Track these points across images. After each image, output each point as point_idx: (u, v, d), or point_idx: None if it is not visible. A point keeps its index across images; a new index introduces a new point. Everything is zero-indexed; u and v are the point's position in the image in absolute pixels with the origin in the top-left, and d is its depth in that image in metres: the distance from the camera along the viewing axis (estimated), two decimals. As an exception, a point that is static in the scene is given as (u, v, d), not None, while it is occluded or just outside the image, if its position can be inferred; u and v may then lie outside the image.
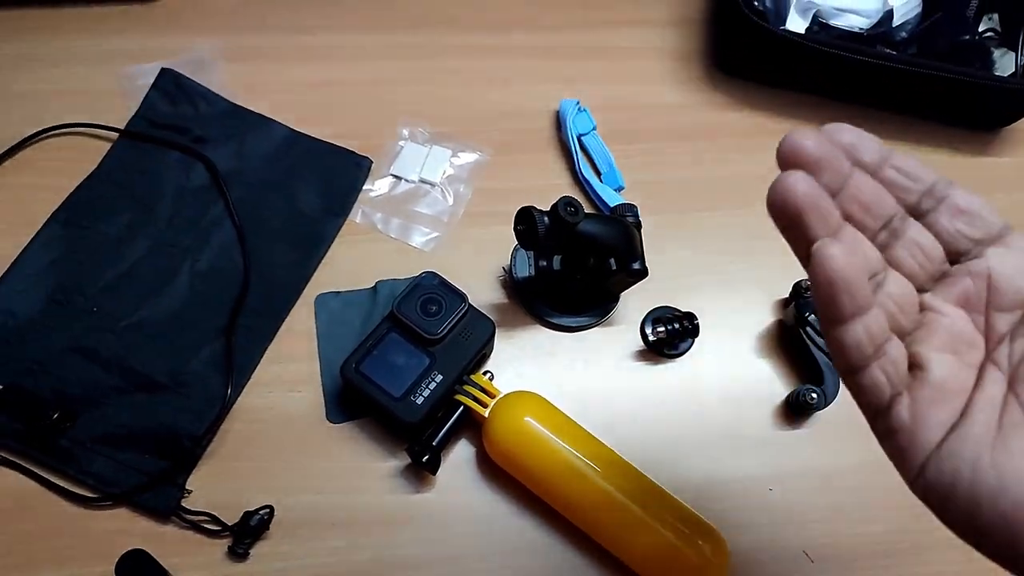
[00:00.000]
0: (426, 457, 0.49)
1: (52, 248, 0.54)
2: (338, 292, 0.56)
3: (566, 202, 0.48)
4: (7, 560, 0.46)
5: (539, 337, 0.56)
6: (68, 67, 0.62)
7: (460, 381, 0.51)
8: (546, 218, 0.48)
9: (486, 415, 0.50)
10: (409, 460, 0.50)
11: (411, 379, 0.50)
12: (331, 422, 0.52)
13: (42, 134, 0.59)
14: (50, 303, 0.53)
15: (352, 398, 0.52)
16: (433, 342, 0.51)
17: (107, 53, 0.63)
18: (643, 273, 0.53)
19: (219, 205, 0.57)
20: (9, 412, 0.49)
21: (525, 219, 0.49)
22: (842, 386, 0.54)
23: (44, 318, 0.52)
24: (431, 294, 0.52)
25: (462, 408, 0.50)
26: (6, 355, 0.51)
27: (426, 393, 0.49)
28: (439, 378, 0.50)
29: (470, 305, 0.52)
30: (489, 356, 0.55)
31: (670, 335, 0.55)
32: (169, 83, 0.61)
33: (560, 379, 0.55)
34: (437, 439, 0.50)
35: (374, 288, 0.56)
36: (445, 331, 0.51)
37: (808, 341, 0.55)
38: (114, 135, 0.59)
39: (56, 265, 0.54)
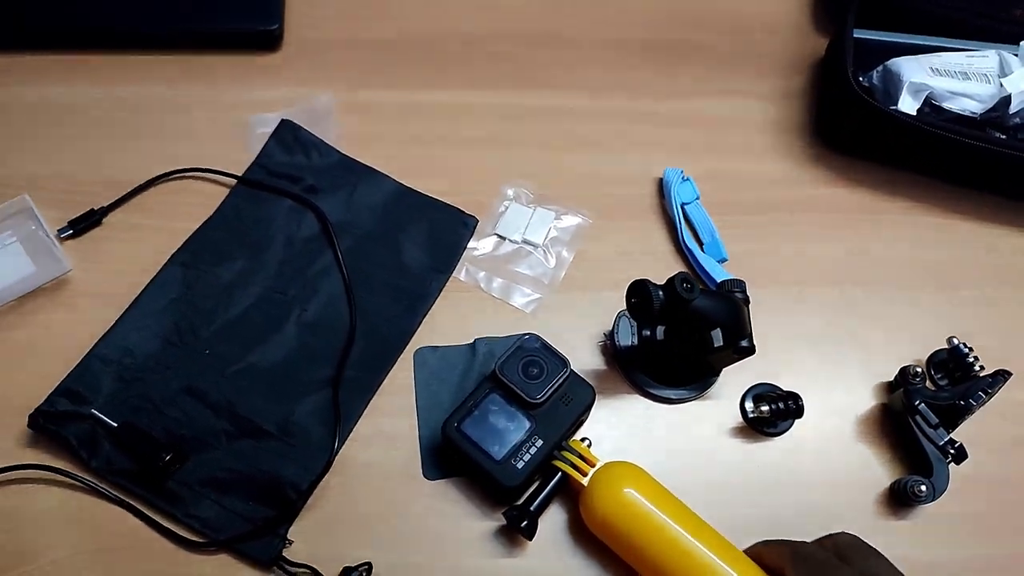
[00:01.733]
0: (524, 523, 0.48)
1: (170, 289, 0.56)
2: (436, 347, 0.56)
3: (682, 278, 0.48)
4: (114, 600, 0.46)
5: (637, 406, 0.56)
6: (191, 113, 0.64)
7: (559, 447, 0.51)
8: (661, 292, 0.48)
9: (585, 483, 0.49)
10: (505, 522, 0.50)
11: (512, 442, 0.50)
12: (427, 478, 0.52)
13: (164, 177, 0.61)
14: (166, 343, 0.54)
15: (451, 456, 0.52)
16: (534, 406, 0.51)
17: (228, 101, 0.65)
18: (751, 351, 0.52)
19: (327, 255, 0.59)
20: (123, 450, 0.50)
21: (640, 292, 0.49)
22: (951, 478, 0.52)
23: (160, 358, 0.53)
24: (533, 357, 0.52)
25: (560, 475, 0.50)
26: (123, 393, 0.52)
27: (527, 458, 0.49)
28: (539, 443, 0.50)
29: (572, 370, 0.52)
30: (585, 422, 0.55)
31: (773, 414, 0.54)
32: (287, 133, 0.63)
33: (657, 450, 0.54)
34: (535, 504, 0.49)
35: (472, 345, 0.56)
36: (547, 396, 0.51)
37: (917, 430, 0.53)
38: (231, 181, 0.61)
39: (173, 306, 0.55)
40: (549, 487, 0.50)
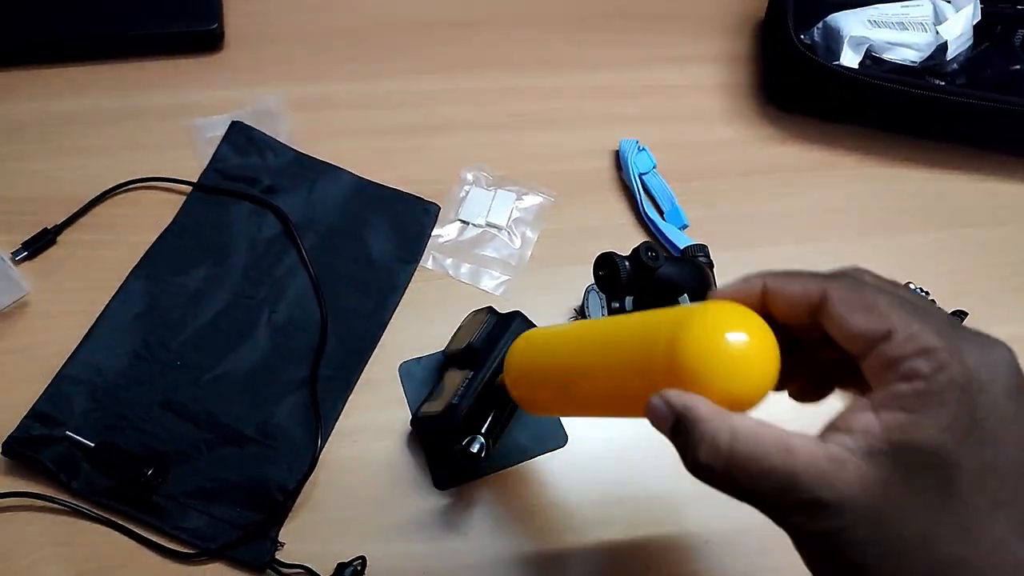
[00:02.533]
0: (465, 443, 0.47)
1: (134, 303, 0.55)
2: (419, 358, 0.56)
3: (647, 247, 0.49)
4: (111, 619, 0.46)
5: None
6: (136, 121, 0.63)
7: (497, 371, 0.48)
8: (627, 263, 0.49)
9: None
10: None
11: (455, 392, 0.49)
12: (439, 488, 0.52)
13: (116, 190, 0.60)
14: (136, 358, 0.53)
15: (429, 446, 0.52)
16: (474, 357, 0.50)
17: (173, 106, 0.64)
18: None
19: (292, 255, 0.58)
20: (102, 469, 0.49)
21: (607, 265, 0.50)
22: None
23: (131, 373, 0.53)
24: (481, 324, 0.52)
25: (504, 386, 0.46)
26: (96, 412, 0.51)
27: (461, 391, 0.48)
28: (470, 374, 0.49)
29: (491, 310, 0.53)
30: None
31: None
32: (239, 135, 0.62)
33: (632, 430, 0.55)
34: (484, 428, 0.48)
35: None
36: (479, 339, 0.51)
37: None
38: (187, 188, 0.60)
39: (139, 320, 0.55)
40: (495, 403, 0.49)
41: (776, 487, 0.26)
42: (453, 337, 0.54)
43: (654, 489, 0.53)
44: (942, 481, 0.25)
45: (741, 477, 0.27)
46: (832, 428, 0.27)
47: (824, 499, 0.26)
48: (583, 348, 0.39)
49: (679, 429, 0.29)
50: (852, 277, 0.30)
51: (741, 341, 0.29)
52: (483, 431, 0.48)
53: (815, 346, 0.32)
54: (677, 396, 0.29)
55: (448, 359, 0.54)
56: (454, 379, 0.50)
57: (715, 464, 0.28)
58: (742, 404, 0.29)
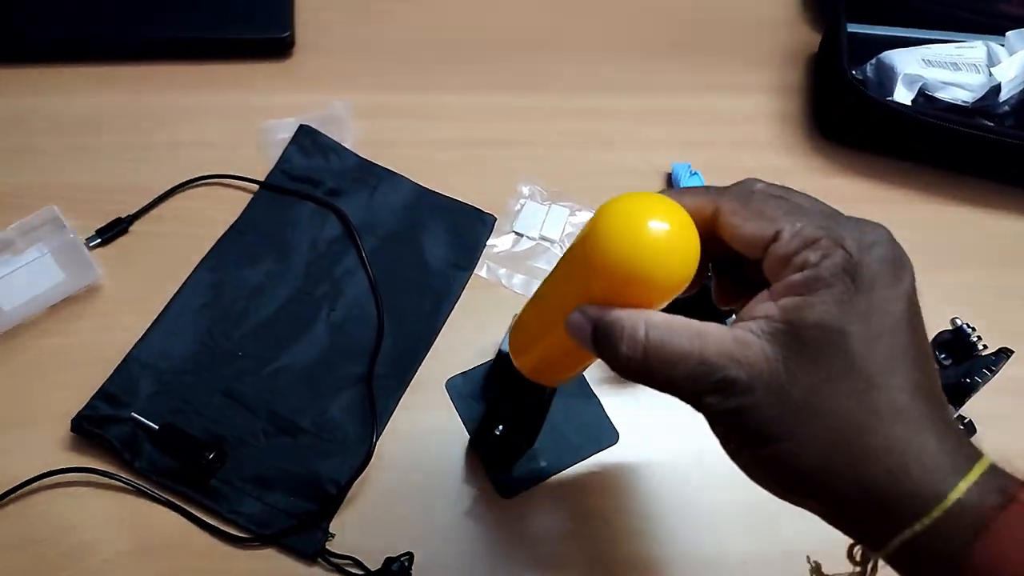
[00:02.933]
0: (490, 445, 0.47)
1: (200, 294, 0.57)
2: (465, 372, 0.57)
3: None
4: (167, 596, 0.48)
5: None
6: (209, 121, 0.65)
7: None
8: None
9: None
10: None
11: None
12: (504, 497, 0.52)
13: (187, 184, 0.62)
14: (200, 346, 0.55)
15: (488, 456, 0.53)
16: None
17: (245, 108, 0.66)
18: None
19: (352, 255, 0.60)
20: (164, 451, 0.51)
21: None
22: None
23: (195, 360, 0.55)
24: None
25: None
26: (161, 395, 0.53)
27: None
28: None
29: None
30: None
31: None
32: (305, 138, 0.64)
33: (681, 432, 0.56)
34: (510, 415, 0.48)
35: (497, 354, 0.58)
36: None
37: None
38: (254, 186, 0.62)
39: (205, 310, 0.57)
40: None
41: (689, 371, 0.29)
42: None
43: (694, 503, 0.54)
44: (835, 352, 0.28)
45: (658, 365, 0.29)
46: (738, 319, 0.30)
47: (732, 377, 0.28)
48: (543, 290, 0.39)
49: (599, 335, 0.31)
50: (742, 187, 0.32)
51: (659, 222, 0.29)
52: (507, 417, 0.48)
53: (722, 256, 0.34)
54: (592, 307, 0.31)
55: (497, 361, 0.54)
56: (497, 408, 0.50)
57: (634, 355, 0.30)
58: (663, 291, 0.30)
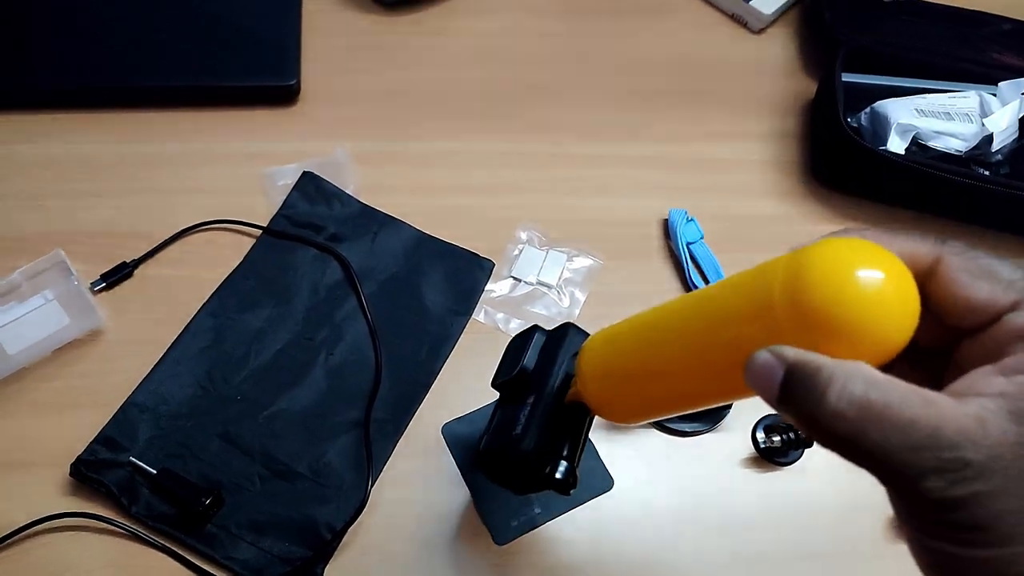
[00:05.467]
0: (549, 470, 0.41)
1: (201, 338, 0.58)
2: (460, 417, 0.56)
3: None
4: (160, 643, 0.48)
5: (655, 441, 0.58)
6: (213, 167, 0.67)
7: (563, 388, 0.43)
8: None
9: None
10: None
11: (514, 424, 0.43)
12: (499, 543, 0.51)
13: (191, 229, 0.63)
14: (200, 390, 0.56)
15: (482, 499, 0.53)
16: (528, 380, 0.44)
17: (248, 154, 0.67)
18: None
19: (352, 300, 0.61)
20: (162, 496, 0.52)
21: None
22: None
23: (194, 404, 0.55)
24: (516, 347, 0.47)
25: (580, 408, 0.42)
26: (159, 439, 0.54)
27: (522, 419, 0.42)
28: (531, 399, 0.43)
29: (537, 328, 0.47)
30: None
31: (784, 444, 0.57)
32: (309, 184, 0.65)
33: (674, 481, 0.57)
34: (566, 451, 0.42)
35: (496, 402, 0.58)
36: (531, 360, 0.45)
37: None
38: (257, 231, 0.63)
39: (205, 353, 0.57)
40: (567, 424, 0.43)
41: (915, 443, 0.24)
42: (499, 367, 0.49)
43: (690, 551, 0.54)
44: None
45: (874, 429, 0.24)
46: (957, 395, 0.25)
47: (968, 458, 0.23)
48: (676, 323, 0.34)
49: (795, 380, 0.25)
50: (962, 244, 0.28)
51: (878, 275, 0.25)
52: (564, 455, 0.42)
53: None
54: (788, 348, 0.26)
55: (500, 391, 0.48)
56: (509, 413, 0.44)
57: (848, 411, 0.24)
58: (883, 352, 0.26)
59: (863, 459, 0.25)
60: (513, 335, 0.49)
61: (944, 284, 0.27)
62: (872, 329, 0.25)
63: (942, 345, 0.29)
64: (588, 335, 0.45)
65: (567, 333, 0.45)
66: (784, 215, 0.70)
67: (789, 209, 0.70)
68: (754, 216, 0.69)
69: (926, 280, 0.28)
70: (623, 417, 0.39)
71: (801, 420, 0.26)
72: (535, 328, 0.47)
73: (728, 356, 0.30)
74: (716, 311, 0.32)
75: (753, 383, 0.27)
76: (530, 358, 0.45)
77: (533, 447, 0.41)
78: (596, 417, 0.41)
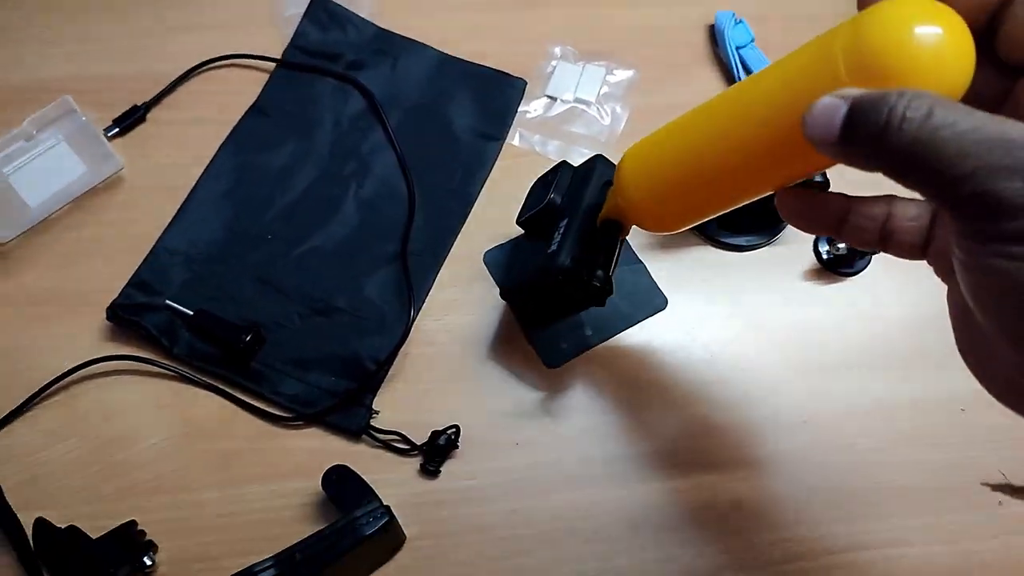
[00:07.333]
0: (587, 276, 0.41)
1: (224, 179, 0.55)
2: (502, 244, 0.53)
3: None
4: (218, 476, 0.48)
5: (708, 256, 0.55)
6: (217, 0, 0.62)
7: (594, 210, 0.43)
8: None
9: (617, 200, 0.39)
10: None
11: (548, 246, 0.43)
12: (551, 366, 0.49)
13: (200, 67, 0.59)
14: (228, 232, 0.54)
15: (529, 323, 0.51)
16: (557, 212, 0.45)
17: (253, -16, 0.62)
18: (824, 185, 0.50)
19: (377, 131, 0.57)
20: (201, 336, 0.50)
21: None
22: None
23: (225, 246, 0.53)
24: (545, 180, 0.47)
25: (613, 224, 0.41)
26: (193, 282, 0.52)
27: (558, 238, 0.43)
28: (565, 220, 0.43)
29: (565, 163, 0.47)
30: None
31: (849, 252, 0.53)
32: (320, 10, 0.60)
33: (731, 297, 0.54)
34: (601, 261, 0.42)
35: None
36: (559, 194, 0.45)
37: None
38: (270, 65, 0.59)
39: (230, 195, 0.55)
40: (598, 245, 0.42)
41: (987, 139, 0.22)
42: (524, 204, 0.49)
43: (749, 364, 0.52)
44: None
45: (945, 131, 0.23)
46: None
47: None
48: (726, 106, 0.33)
49: (857, 112, 0.24)
50: None
51: (938, 29, 0.25)
52: (601, 264, 0.42)
53: None
54: (851, 88, 0.25)
55: (526, 227, 0.48)
56: (538, 242, 0.44)
57: (916, 118, 0.23)
58: (944, 92, 0.25)
59: (932, 174, 0.23)
60: (553, 159, 0.46)
61: (1017, 21, 0.26)
62: (934, 68, 0.25)
63: (1000, 96, 0.28)
64: (599, 156, 0.45)
65: (595, 165, 0.45)
66: (844, 13, 0.63)
67: (849, 5, 0.63)
68: (808, 15, 0.62)
69: (998, 12, 0.27)
70: (667, 222, 0.38)
71: (865, 149, 0.25)
72: (563, 163, 0.47)
73: (787, 118, 0.28)
74: (772, 82, 0.31)
75: (812, 128, 0.26)
76: (556, 193, 0.45)
77: (570, 260, 0.41)
78: (642, 237, 0.39)
